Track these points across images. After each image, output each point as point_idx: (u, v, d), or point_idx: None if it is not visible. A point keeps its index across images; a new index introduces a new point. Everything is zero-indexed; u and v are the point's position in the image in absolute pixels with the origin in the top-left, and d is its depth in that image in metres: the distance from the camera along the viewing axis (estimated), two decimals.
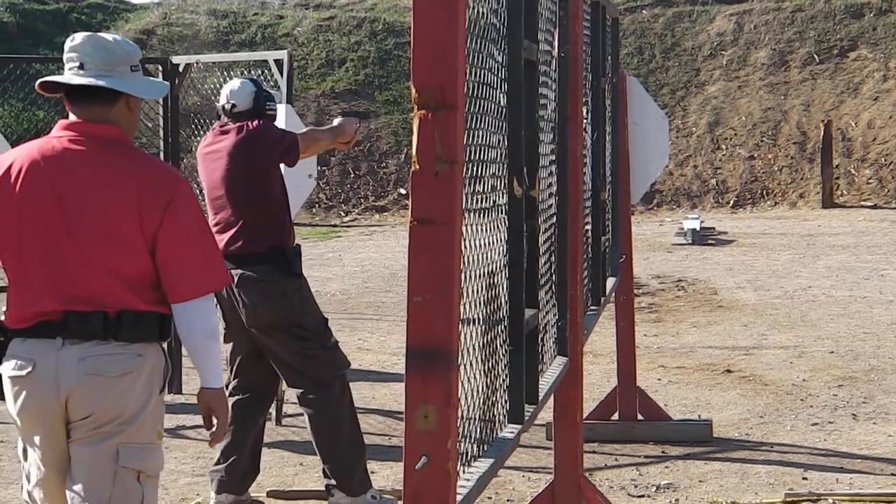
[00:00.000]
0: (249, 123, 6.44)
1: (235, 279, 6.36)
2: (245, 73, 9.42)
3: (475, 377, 3.60)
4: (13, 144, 13.35)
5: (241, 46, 25.60)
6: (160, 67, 9.56)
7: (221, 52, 23.94)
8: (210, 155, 6.53)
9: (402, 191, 23.05)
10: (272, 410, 8.29)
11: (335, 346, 6.49)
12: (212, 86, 9.93)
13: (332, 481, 6.41)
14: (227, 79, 9.54)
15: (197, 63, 9.67)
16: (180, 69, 9.49)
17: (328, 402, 6.40)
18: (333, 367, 6.42)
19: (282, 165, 6.54)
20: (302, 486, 7.01)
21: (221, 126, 6.54)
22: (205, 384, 4.17)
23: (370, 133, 24.20)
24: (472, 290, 3.56)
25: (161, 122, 9.55)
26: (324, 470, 6.47)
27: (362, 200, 23.44)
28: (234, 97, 6.53)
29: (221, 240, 6.43)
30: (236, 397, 6.57)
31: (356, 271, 16.40)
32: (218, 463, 6.54)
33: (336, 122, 6.82)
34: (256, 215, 6.38)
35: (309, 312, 6.43)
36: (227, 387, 6.69)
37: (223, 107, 6.58)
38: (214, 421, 4.20)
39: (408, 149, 21.58)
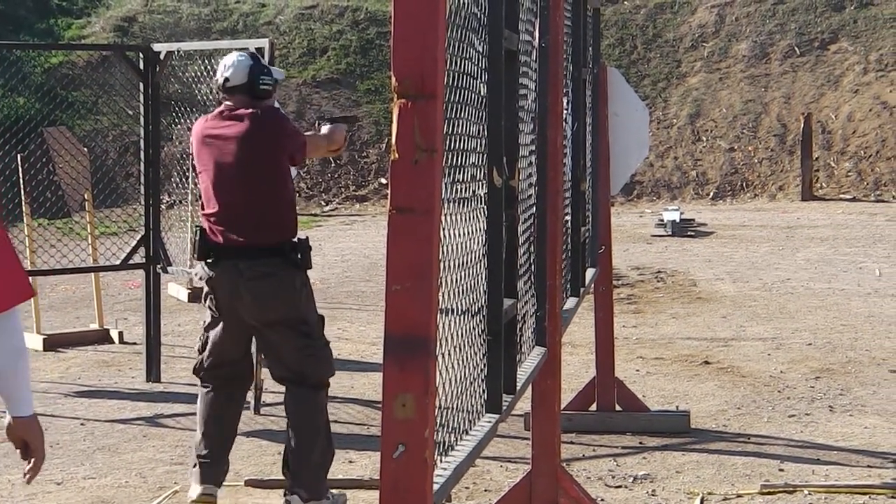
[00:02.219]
0: (259, 112, 6.20)
1: (243, 273, 6.12)
2: None
3: (453, 366, 3.60)
4: None
5: (222, 34, 25.51)
6: (141, 54, 9.54)
7: (203, 40, 23.87)
8: (217, 140, 6.25)
9: (383, 180, 23.01)
10: (250, 399, 8.29)
11: (328, 345, 6.34)
12: (192, 74, 9.92)
13: (297, 485, 6.19)
14: (209, 67, 9.54)
15: (178, 51, 9.65)
16: (161, 57, 9.46)
17: (314, 402, 6.22)
18: (329, 370, 6.26)
19: None
20: (279, 475, 7.00)
21: (231, 109, 6.26)
22: (16, 413, 3.50)
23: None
24: (451, 280, 3.57)
25: (142, 110, 9.53)
26: (289, 471, 6.25)
27: (343, 190, 23.41)
28: (227, 70, 6.28)
29: (226, 230, 6.19)
30: (210, 384, 6.36)
31: (336, 261, 16.40)
32: (195, 454, 6.35)
33: (324, 129, 6.59)
34: (271, 207, 6.18)
35: (312, 309, 6.27)
36: (196, 371, 6.46)
37: (217, 80, 6.34)
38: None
39: (389, 138, 21.59)
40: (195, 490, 6.31)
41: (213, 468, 6.31)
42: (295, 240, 6.21)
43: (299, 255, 6.17)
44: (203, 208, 6.37)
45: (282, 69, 7.20)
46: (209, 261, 6.24)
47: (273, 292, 6.13)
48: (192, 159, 6.56)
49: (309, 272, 6.26)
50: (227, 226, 6.19)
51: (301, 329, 6.17)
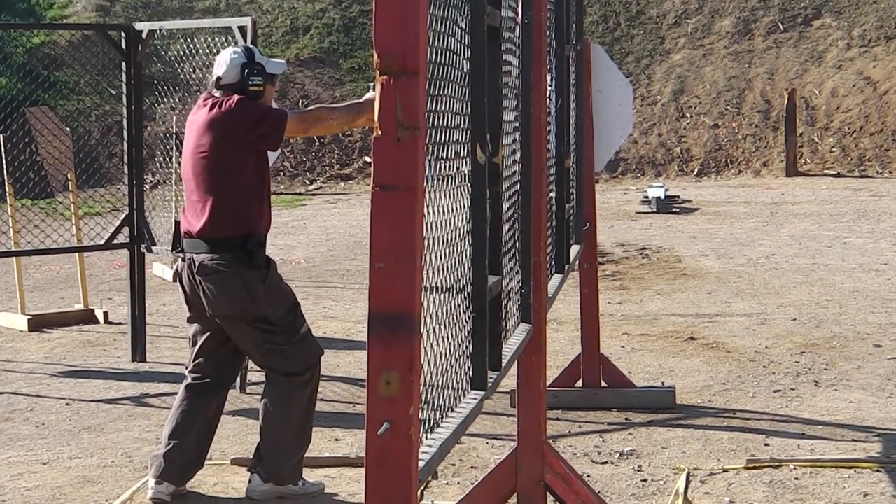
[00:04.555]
0: (226, 100, 6.09)
1: (196, 265, 6.06)
2: (209, 40, 9.34)
3: (438, 343, 3.60)
4: None
5: (204, 13, 25.44)
6: (123, 34, 9.50)
7: (185, 18, 23.77)
8: (188, 127, 6.21)
9: (367, 159, 22.99)
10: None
11: (304, 337, 6.18)
12: (175, 53, 9.88)
13: (259, 463, 6.18)
14: (191, 46, 9.50)
15: (160, 30, 9.61)
16: (143, 36, 9.42)
17: (286, 389, 6.15)
18: (299, 363, 6.14)
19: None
20: None
21: (205, 98, 6.21)
22: None
23: (335, 101, 24.11)
24: (435, 257, 3.56)
25: (124, 90, 9.49)
26: (257, 447, 6.25)
27: (327, 168, 23.38)
28: (219, 68, 6.18)
29: (186, 220, 6.15)
30: (193, 376, 6.29)
31: (321, 239, 16.38)
32: (161, 447, 6.27)
33: (367, 96, 6.27)
34: (222, 199, 6.04)
35: (273, 304, 6.10)
36: (185, 367, 6.44)
37: (211, 77, 6.26)
38: None
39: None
40: (150, 486, 6.24)
41: (168, 467, 6.20)
42: (246, 236, 6.06)
43: (249, 253, 6.05)
44: None
45: (282, 60, 6.84)
46: (179, 253, 6.22)
47: (222, 288, 6.03)
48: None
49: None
50: (187, 217, 6.15)
51: (259, 326, 6.07)
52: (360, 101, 6.37)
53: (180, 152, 10.39)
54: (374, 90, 6.08)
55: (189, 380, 6.31)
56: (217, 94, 6.19)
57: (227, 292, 6.05)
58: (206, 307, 6.12)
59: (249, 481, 6.25)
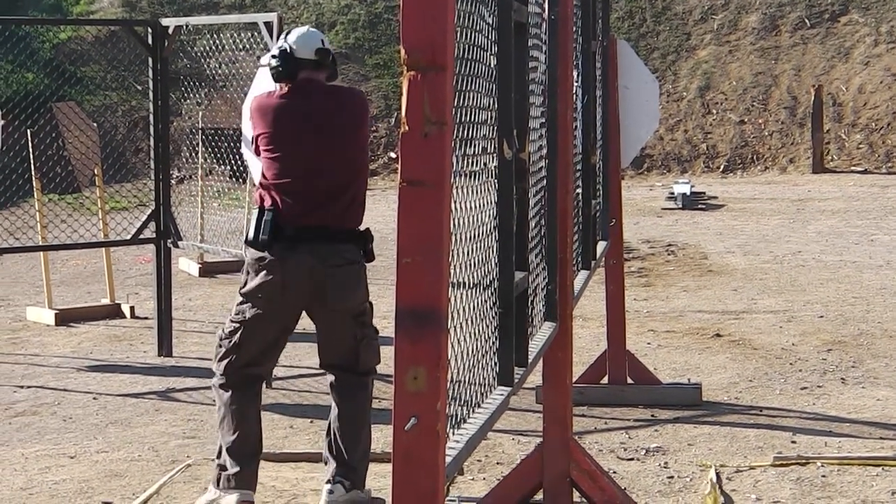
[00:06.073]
0: (355, 91, 6.02)
1: (326, 259, 5.70)
2: (234, 36, 9.36)
3: (465, 339, 3.60)
4: (2, 107, 13.24)
5: (230, 9, 25.47)
6: (149, 29, 9.52)
7: (211, 14, 23.80)
8: (308, 114, 5.78)
9: (392, 155, 23.01)
10: None
11: (378, 334, 6.04)
12: (201, 48, 9.90)
13: (346, 474, 5.82)
14: (217, 41, 9.52)
15: (186, 25, 9.63)
16: (170, 31, 9.45)
17: (368, 396, 5.96)
18: (377, 358, 5.99)
19: None
20: (292, 448, 7.02)
21: (309, 83, 5.81)
22: None
23: None
24: (462, 253, 3.56)
25: (150, 85, 9.51)
26: (339, 452, 5.85)
27: None
28: (327, 42, 5.90)
29: (311, 210, 5.75)
30: (253, 371, 5.85)
31: None
32: (239, 461, 5.80)
33: None
34: (358, 189, 5.87)
35: (368, 297, 5.99)
36: (229, 370, 5.82)
37: (316, 50, 5.81)
38: None
39: (398, 112, 21.52)
40: (231, 499, 5.76)
41: (250, 471, 5.83)
42: (366, 228, 5.94)
43: (370, 244, 5.91)
44: (272, 188, 5.78)
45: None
46: (278, 244, 5.71)
47: (354, 281, 5.80)
48: (255, 135, 5.90)
49: None
50: (313, 206, 5.74)
51: (360, 319, 5.88)
52: None
53: (206, 147, 10.34)
54: None
55: (230, 390, 5.83)
56: (308, 75, 5.84)
57: (358, 282, 5.85)
58: (328, 297, 5.75)
59: (331, 491, 5.84)
